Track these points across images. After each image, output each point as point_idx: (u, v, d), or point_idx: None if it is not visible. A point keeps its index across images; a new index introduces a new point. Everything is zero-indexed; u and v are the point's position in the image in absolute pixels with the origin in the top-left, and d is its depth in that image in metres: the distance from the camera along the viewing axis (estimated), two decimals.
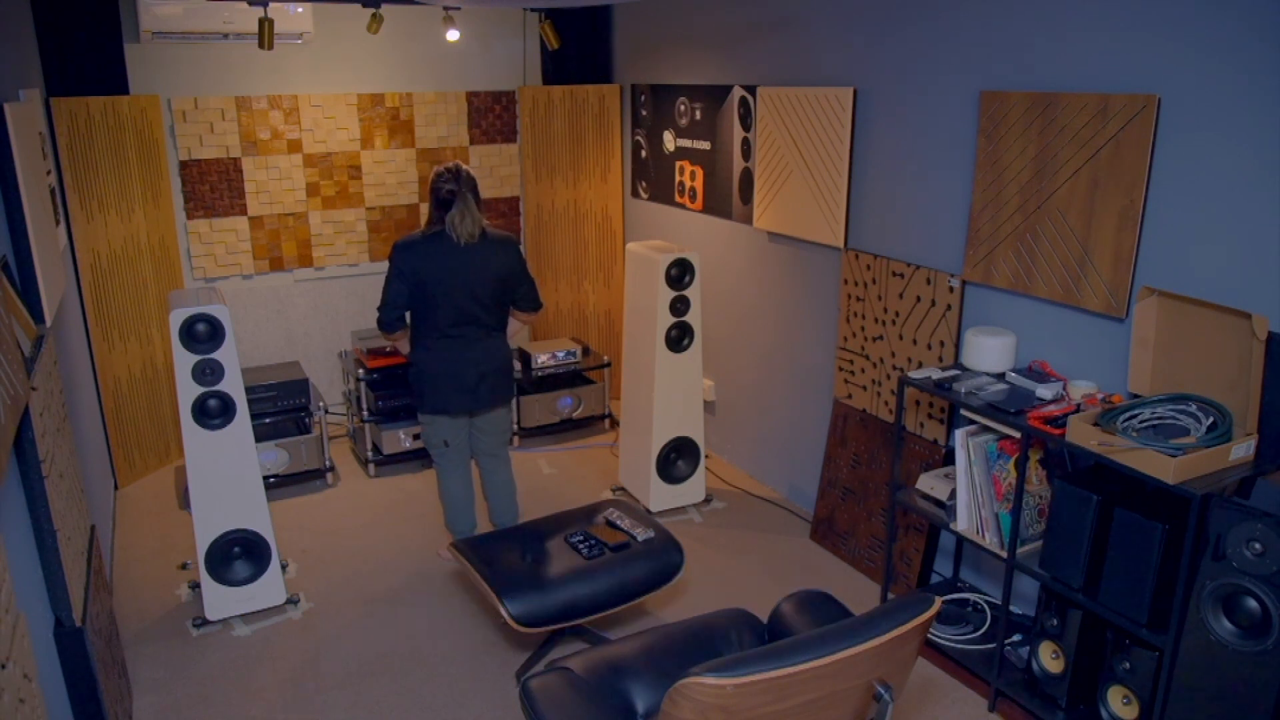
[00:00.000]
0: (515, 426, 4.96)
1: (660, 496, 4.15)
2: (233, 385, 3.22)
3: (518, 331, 3.71)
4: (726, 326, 4.66)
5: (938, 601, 1.93)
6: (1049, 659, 2.77)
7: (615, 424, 5.21)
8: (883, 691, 1.87)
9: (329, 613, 3.50)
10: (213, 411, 3.21)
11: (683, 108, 4.70)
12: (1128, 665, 2.53)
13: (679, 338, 3.99)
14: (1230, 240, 2.48)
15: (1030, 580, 3.14)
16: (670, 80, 4.82)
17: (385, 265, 5.27)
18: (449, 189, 3.33)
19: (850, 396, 3.83)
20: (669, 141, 4.87)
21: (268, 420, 4.42)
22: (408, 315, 3.48)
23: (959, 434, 2.88)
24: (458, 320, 3.40)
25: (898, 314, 3.54)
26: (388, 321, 3.41)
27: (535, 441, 5.06)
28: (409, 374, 3.55)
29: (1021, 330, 3.10)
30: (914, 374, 3.08)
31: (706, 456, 4.80)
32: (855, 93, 3.59)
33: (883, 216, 3.60)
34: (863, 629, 1.83)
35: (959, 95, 3.20)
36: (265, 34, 3.79)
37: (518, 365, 5.04)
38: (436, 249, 3.34)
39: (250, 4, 3.77)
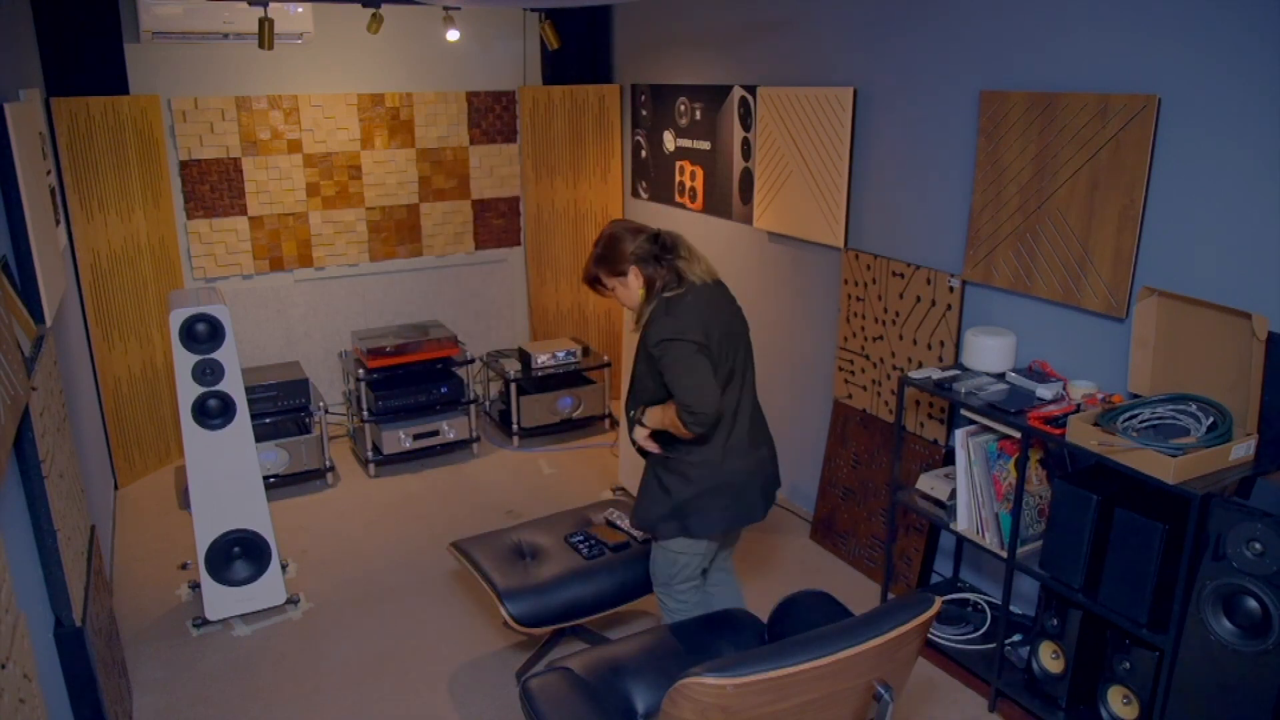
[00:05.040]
0: (516, 426, 4.97)
1: None
2: (233, 385, 3.22)
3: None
4: None
5: (938, 601, 1.93)
6: (1049, 659, 2.77)
7: (615, 424, 5.20)
8: (883, 691, 1.87)
9: (329, 613, 3.50)
10: (213, 411, 3.21)
11: (683, 108, 4.70)
12: (1128, 665, 2.53)
13: None
14: (1230, 240, 2.48)
15: (1030, 580, 3.14)
16: (670, 80, 4.82)
17: (384, 264, 5.30)
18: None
19: (850, 396, 3.83)
20: (669, 141, 4.87)
21: (268, 420, 4.42)
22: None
23: (959, 434, 2.88)
24: None
25: (898, 314, 3.54)
26: None
27: (535, 441, 5.06)
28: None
29: (1021, 330, 3.10)
30: (914, 374, 3.08)
31: None
32: (855, 93, 3.59)
33: (883, 216, 3.60)
34: (863, 629, 1.83)
35: (959, 95, 3.20)
36: (265, 34, 3.79)
37: (516, 366, 5.03)
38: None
39: (250, 4, 3.77)
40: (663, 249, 2.58)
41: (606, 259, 2.60)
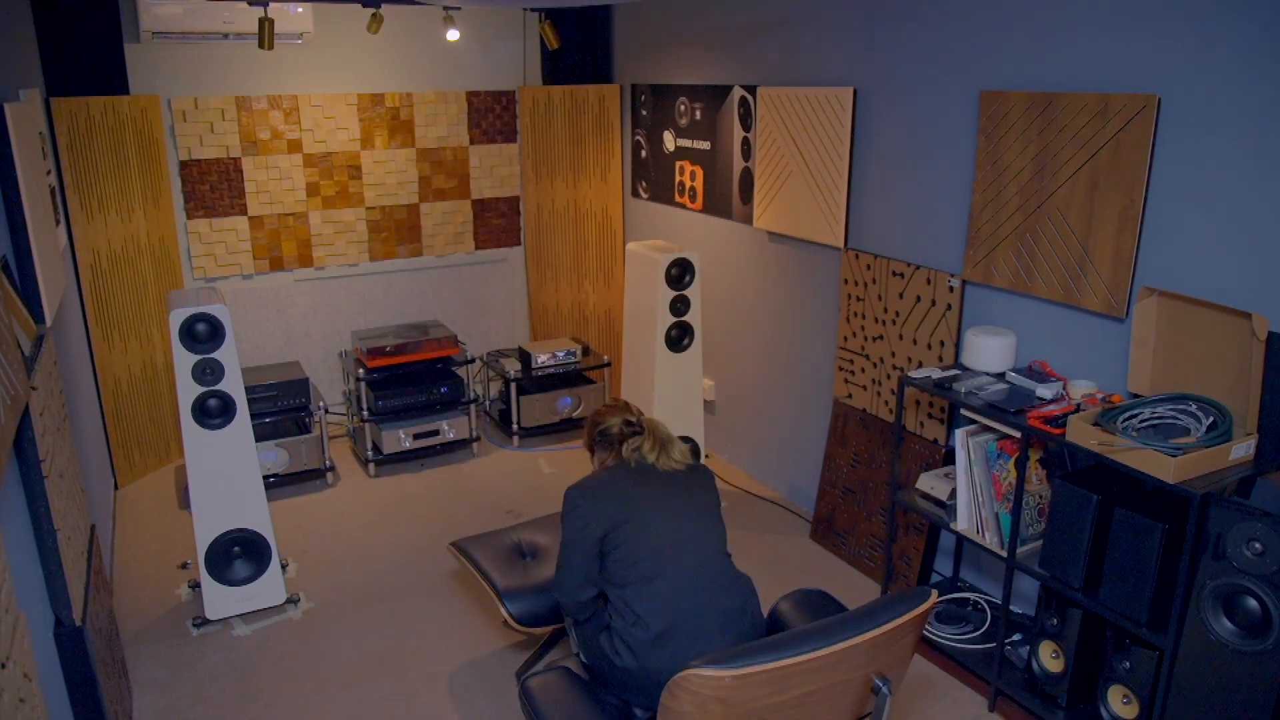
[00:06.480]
0: (516, 426, 4.97)
1: None
2: (233, 385, 3.22)
3: None
4: (726, 326, 4.66)
5: (934, 593, 1.94)
6: (1049, 658, 2.77)
7: None
8: (881, 684, 1.87)
9: (329, 613, 3.50)
10: (213, 411, 3.21)
11: (683, 108, 4.70)
12: (1128, 665, 2.53)
13: (679, 337, 3.99)
14: (1230, 240, 2.48)
15: (1030, 580, 3.14)
16: (670, 80, 4.83)
17: (384, 264, 5.30)
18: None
19: (850, 396, 3.83)
20: (669, 141, 4.88)
21: (268, 420, 4.42)
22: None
23: (959, 434, 2.88)
24: None
25: (898, 314, 3.54)
26: None
27: (535, 441, 5.06)
28: None
29: (1021, 330, 3.10)
30: (914, 374, 3.08)
31: (706, 456, 4.80)
32: (855, 93, 3.59)
33: (883, 216, 3.60)
34: (860, 621, 1.83)
35: (959, 95, 3.20)
36: (265, 34, 3.79)
37: (516, 366, 5.03)
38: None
39: (250, 4, 3.77)
40: (617, 438, 2.58)
41: (586, 439, 2.72)
